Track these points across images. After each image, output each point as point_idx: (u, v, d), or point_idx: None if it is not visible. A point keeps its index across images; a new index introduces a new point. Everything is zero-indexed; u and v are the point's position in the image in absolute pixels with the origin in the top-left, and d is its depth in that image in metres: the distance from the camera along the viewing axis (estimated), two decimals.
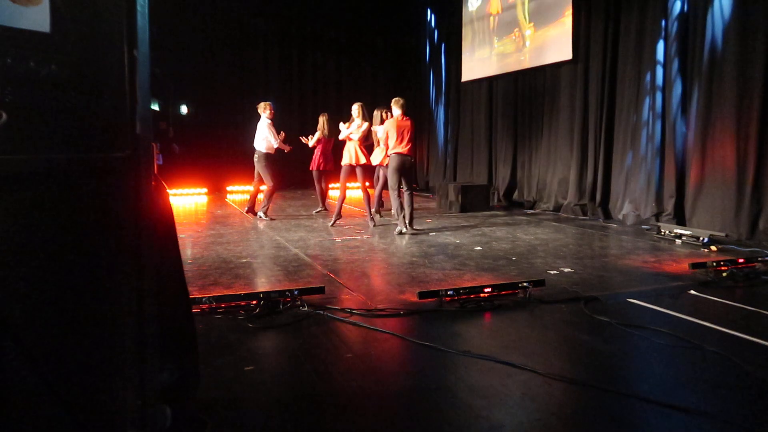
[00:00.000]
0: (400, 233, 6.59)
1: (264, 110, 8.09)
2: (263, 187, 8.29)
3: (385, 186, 7.38)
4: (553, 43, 8.99)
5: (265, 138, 7.91)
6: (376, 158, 7.41)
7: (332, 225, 7.29)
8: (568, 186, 8.81)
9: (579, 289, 4.10)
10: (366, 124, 7.41)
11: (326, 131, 8.63)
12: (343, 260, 5.24)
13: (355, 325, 3.35)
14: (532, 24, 9.53)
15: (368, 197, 7.27)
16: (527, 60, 9.67)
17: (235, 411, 2.31)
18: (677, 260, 5.15)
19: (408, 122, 6.68)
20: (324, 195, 8.95)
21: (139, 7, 1.32)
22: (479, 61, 11.09)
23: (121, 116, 1.33)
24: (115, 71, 1.32)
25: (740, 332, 3.18)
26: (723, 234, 5.92)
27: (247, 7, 12.71)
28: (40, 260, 1.26)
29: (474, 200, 9.12)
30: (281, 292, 3.71)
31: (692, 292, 4.08)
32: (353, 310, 3.61)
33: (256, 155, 8.01)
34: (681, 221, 6.87)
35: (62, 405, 1.27)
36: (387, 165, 6.92)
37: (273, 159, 8.10)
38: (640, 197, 7.50)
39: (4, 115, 1.18)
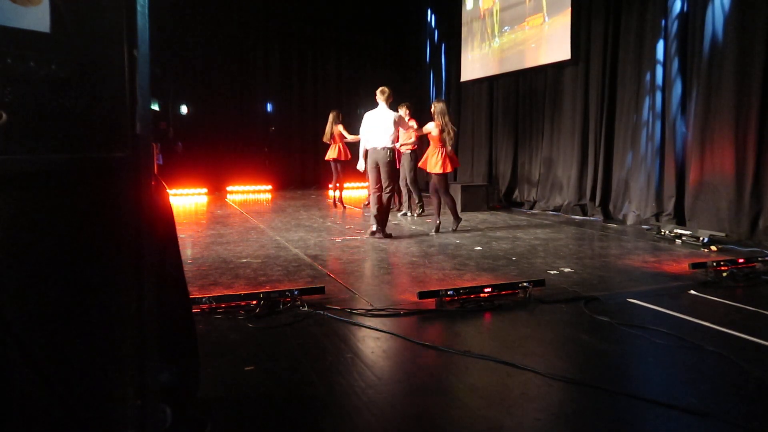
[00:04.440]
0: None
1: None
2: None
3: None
4: (553, 42, 8.99)
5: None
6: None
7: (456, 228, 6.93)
8: (569, 186, 8.81)
9: (579, 289, 4.10)
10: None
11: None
12: (343, 260, 5.24)
13: (355, 325, 3.35)
14: (531, 23, 9.53)
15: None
16: (527, 60, 9.67)
17: (235, 411, 2.31)
18: (677, 260, 5.15)
19: None
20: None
21: (139, 7, 1.32)
22: (479, 61, 11.08)
23: (121, 116, 1.33)
24: (115, 71, 1.32)
25: (740, 332, 3.18)
26: (723, 234, 5.92)
27: (248, 7, 12.71)
28: (40, 260, 1.26)
29: (474, 200, 9.12)
30: (281, 292, 3.71)
31: (692, 292, 4.08)
32: (353, 310, 3.61)
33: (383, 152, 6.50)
34: (681, 221, 6.87)
35: (62, 405, 1.27)
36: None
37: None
38: (640, 197, 7.50)
39: (4, 115, 1.18)
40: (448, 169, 6.74)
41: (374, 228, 6.39)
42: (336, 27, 13.62)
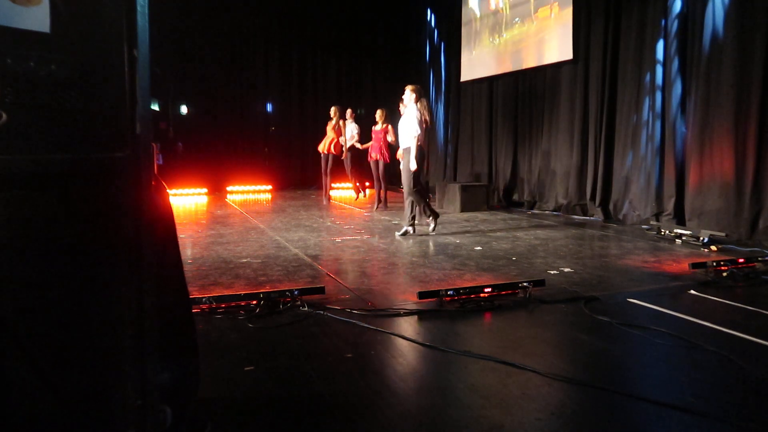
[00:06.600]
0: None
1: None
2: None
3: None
4: (554, 42, 8.99)
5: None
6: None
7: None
8: (568, 186, 8.81)
9: (579, 289, 4.10)
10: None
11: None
12: (343, 260, 5.24)
13: (355, 325, 3.35)
14: (531, 23, 9.53)
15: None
16: (527, 60, 9.67)
17: (235, 411, 2.31)
18: (677, 260, 5.15)
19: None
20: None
21: (139, 7, 1.32)
22: (479, 61, 11.08)
23: (121, 116, 1.33)
24: (115, 71, 1.32)
25: (740, 332, 3.18)
26: (723, 234, 5.92)
27: (248, 7, 12.71)
28: (40, 260, 1.26)
29: (474, 200, 9.13)
30: (281, 292, 3.71)
31: (692, 292, 4.08)
32: (353, 310, 3.61)
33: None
34: (681, 221, 6.86)
35: (62, 405, 1.27)
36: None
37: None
38: (640, 197, 7.49)
39: (4, 115, 1.18)
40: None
41: (432, 225, 6.70)
42: (336, 27, 13.62)
